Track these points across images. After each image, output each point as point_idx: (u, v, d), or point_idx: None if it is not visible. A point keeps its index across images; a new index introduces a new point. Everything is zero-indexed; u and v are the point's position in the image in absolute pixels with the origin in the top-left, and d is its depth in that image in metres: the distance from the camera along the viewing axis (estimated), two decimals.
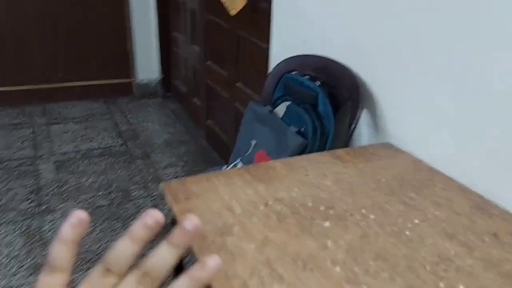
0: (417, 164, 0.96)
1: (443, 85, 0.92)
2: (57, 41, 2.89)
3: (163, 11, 2.98)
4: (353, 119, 1.07)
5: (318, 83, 1.18)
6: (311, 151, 1.14)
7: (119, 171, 2.24)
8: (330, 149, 1.16)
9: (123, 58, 3.10)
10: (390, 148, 1.03)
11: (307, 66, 1.29)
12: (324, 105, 1.15)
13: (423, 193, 0.85)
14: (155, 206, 1.98)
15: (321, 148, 1.15)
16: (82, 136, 2.58)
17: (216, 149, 2.46)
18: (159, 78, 3.24)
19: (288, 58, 1.35)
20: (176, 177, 2.21)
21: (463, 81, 0.87)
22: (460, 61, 0.87)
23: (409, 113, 1.01)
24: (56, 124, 2.70)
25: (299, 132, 1.17)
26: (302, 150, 1.15)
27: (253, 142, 1.30)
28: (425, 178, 0.90)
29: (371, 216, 0.76)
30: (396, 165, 0.95)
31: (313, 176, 0.89)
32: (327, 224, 0.74)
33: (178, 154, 2.45)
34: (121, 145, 2.51)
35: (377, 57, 1.07)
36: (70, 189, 2.06)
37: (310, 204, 0.79)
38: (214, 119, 2.44)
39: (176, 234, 0.28)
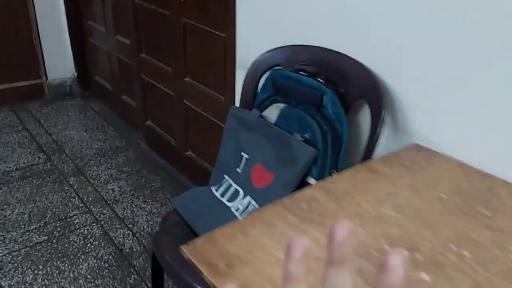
0: (465, 169, 0.83)
1: (492, 77, 0.79)
2: None
3: None
4: (377, 121, 0.91)
5: (320, 80, 1.00)
6: (323, 162, 0.97)
7: (50, 194, 1.87)
8: (344, 157, 0.99)
9: (29, 55, 2.60)
10: (422, 151, 0.89)
11: (298, 59, 1.10)
12: (333, 106, 0.97)
13: (494, 206, 0.72)
14: (105, 232, 1.68)
15: (335, 157, 0.98)
16: None
17: (160, 153, 2.18)
18: (74, 76, 2.80)
19: (271, 50, 1.14)
20: (122, 193, 1.91)
21: None
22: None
23: (445, 111, 0.87)
24: None
25: (305, 140, 0.99)
26: (314, 161, 0.97)
27: (245, 156, 1.09)
28: (484, 187, 0.78)
29: (466, 254, 0.61)
30: (444, 173, 0.82)
31: (367, 205, 0.71)
32: (425, 277, 0.57)
33: (117, 164, 2.13)
34: (45, 161, 2.11)
35: (399, 49, 0.92)
36: None
37: (387, 248, 0.62)
38: (155, 119, 2.14)
39: (333, 251, 0.23)
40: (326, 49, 1.04)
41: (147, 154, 2.22)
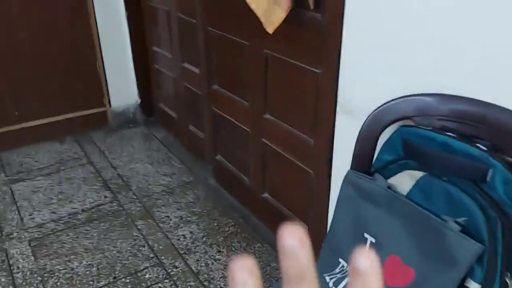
0: None
1: None
2: (11, 73, 2.27)
3: (137, 22, 2.43)
4: None
5: (482, 147, 0.74)
6: (491, 261, 0.71)
7: (119, 242, 1.72)
8: None
9: (93, 83, 2.52)
10: None
11: (438, 113, 0.85)
12: (506, 185, 0.71)
13: None
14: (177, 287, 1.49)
15: (507, 255, 0.71)
16: (58, 195, 2.01)
17: (231, 191, 1.98)
18: (138, 102, 2.68)
19: (402, 98, 0.90)
20: (194, 240, 1.72)
21: None
22: None
23: None
24: (19, 182, 2.11)
25: (461, 229, 0.73)
26: (477, 260, 0.71)
27: (370, 239, 0.85)
28: None
29: None
30: None
31: None
32: None
33: (186, 204, 1.95)
34: (112, 200, 1.97)
35: None
36: (59, 282, 1.52)
37: None
38: (226, 155, 1.95)
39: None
40: (489, 104, 0.78)
41: (217, 191, 2.04)
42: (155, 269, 1.59)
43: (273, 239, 1.72)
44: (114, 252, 1.67)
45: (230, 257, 1.64)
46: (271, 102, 1.52)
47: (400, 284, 0.78)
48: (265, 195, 1.72)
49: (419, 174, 0.82)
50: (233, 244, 1.71)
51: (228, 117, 1.79)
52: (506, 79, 0.76)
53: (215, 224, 1.83)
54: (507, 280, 0.71)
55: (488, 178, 0.72)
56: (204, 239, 1.74)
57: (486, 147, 0.74)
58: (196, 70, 1.98)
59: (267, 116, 1.55)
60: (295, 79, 1.35)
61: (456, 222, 0.74)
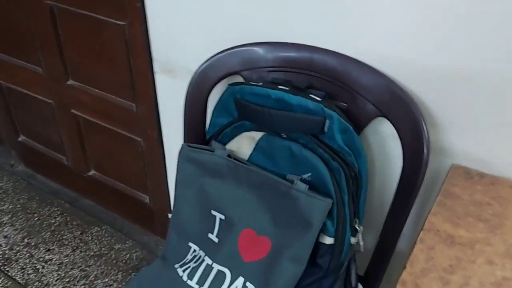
0: None
1: None
2: None
3: None
4: (420, 143, 0.65)
5: (316, 97, 0.69)
6: (340, 213, 0.69)
7: None
8: (364, 201, 0.73)
9: None
10: (476, 179, 0.67)
11: (268, 64, 0.76)
12: (344, 134, 0.68)
13: None
14: None
15: (353, 203, 0.71)
16: None
17: (46, 175, 1.67)
18: None
19: (225, 51, 0.78)
20: (13, 246, 1.41)
21: None
22: None
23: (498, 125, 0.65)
24: None
25: (308, 185, 0.69)
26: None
27: (219, 216, 0.76)
28: None
29: None
30: None
31: None
32: None
33: None
34: None
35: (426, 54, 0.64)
36: None
37: None
38: (31, 134, 1.60)
39: None
40: (315, 47, 0.72)
41: (30, 179, 1.69)
42: None
43: (113, 218, 1.53)
44: None
45: (63, 253, 1.40)
46: (72, 66, 1.24)
47: (258, 257, 0.72)
48: (91, 172, 1.49)
49: (258, 135, 0.75)
50: (64, 237, 1.46)
51: (20, 88, 1.44)
52: (328, 22, 0.71)
53: (36, 218, 1.53)
54: (357, 227, 0.71)
55: (326, 130, 0.69)
56: (26, 240, 1.44)
57: (320, 97, 0.69)
58: None
59: (70, 82, 1.28)
60: (98, 35, 1.11)
61: (302, 180, 0.70)
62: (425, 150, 0.65)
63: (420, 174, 0.66)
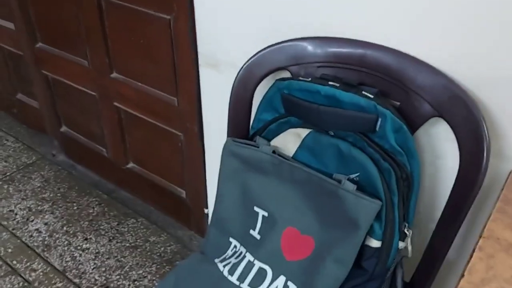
0: None
1: None
2: None
3: None
4: (480, 146, 0.62)
5: (368, 94, 0.67)
6: (388, 215, 0.67)
7: None
8: (415, 205, 0.70)
9: None
10: None
11: (316, 60, 0.74)
12: (397, 133, 0.66)
13: None
14: None
15: (403, 206, 0.68)
16: None
17: (86, 166, 1.71)
18: None
19: (273, 46, 0.77)
20: (53, 233, 1.45)
21: None
22: None
23: None
24: None
25: (356, 186, 0.67)
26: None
27: (262, 212, 0.74)
28: None
29: None
30: None
31: None
32: None
33: (33, 191, 1.62)
34: None
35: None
36: None
37: None
38: (73, 125, 1.64)
39: None
40: (366, 43, 0.69)
41: (70, 168, 1.74)
42: (7, 279, 1.30)
43: (149, 211, 1.55)
44: None
45: (100, 243, 1.43)
46: (117, 59, 1.26)
47: (301, 257, 0.71)
48: (130, 165, 1.51)
49: (304, 132, 0.73)
50: (102, 227, 1.49)
51: (65, 80, 1.47)
52: (381, 18, 0.68)
53: (75, 207, 1.56)
54: (405, 231, 0.68)
55: (377, 128, 0.66)
56: (65, 228, 1.48)
57: (372, 94, 0.67)
58: (11, 25, 1.56)
59: (114, 75, 1.30)
60: (143, 29, 1.12)
61: (350, 180, 0.68)
62: (484, 154, 0.61)
63: (479, 179, 0.62)
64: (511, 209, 0.59)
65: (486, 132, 0.61)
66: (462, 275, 0.51)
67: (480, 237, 0.56)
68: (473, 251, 0.54)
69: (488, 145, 0.62)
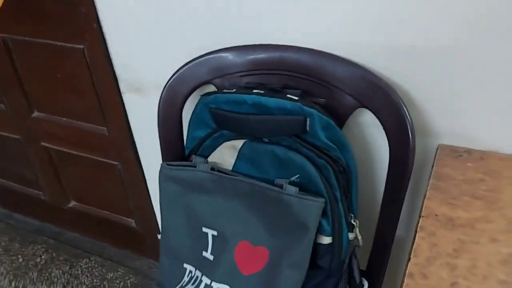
0: None
1: None
2: None
3: None
4: (404, 128, 0.64)
5: (293, 97, 0.67)
6: (334, 210, 0.67)
7: None
8: (356, 195, 0.71)
9: None
10: (464, 156, 0.66)
11: (239, 69, 0.74)
12: (326, 130, 0.66)
13: None
14: None
15: (346, 199, 0.69)
16: None
17: (25, 213, 1.60)
18: None
19: (192, 62, 0.75)
20: None
21: None
22: None
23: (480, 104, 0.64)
24: None
25: (298, 187, 0.67)
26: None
27: (211, 232, 0.73)
28: None
29: None
30: None
31: None
32: None
33: None
34: None
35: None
36: None
37: None
38: (2, 172, 1.53)
39: None
40: (282, 46, 0.70)
41: (7, 219, 1.62)
42: None
43: (101, 247, 1.48)
44: None
45: None
46: (35, 97, 1.19)
47: (257, 269, 0.70)
48: (72, 204, 1.43)
49: (239, 143, 0.72)
50: (53, 274, 1.40)
51: None
52: (293, 19, 0.69)
53: (20, 259, 1.46)
54: (353, 222, 0.70)
55: (308, 128, 0.67)
56: (13, 284, 1.38)
57: (297, 96, 0.67)
58: None
59: (36, 114, 1.22)
60: (58, 62, 1.06)
61: (291, 183, 0.68)
62: (410, 134, 0.64)
63: (409, 159, 0.64)
64: (444, 184, 0.62)
65: (407, 113, 0.64)
66: (409, 258, 0.53)
67: (420, 217, 0.58)
68: (416, 232, 0.56)
69: (412, 125, 0.64)
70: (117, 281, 1.36)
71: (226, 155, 0.74)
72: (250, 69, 0.73)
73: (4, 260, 1.46)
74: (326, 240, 0.69)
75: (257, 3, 0.70)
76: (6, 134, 1.34)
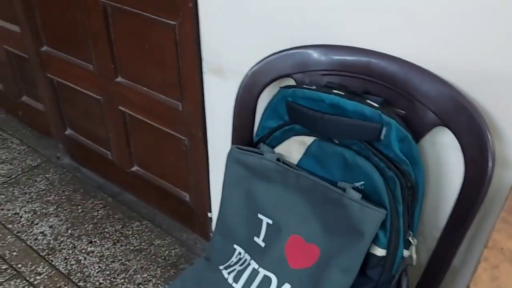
0: None
1: None
2: None
3: None
4: (484, 155, 0.62)
5: (373, 103, 0.67)
6: (393, 224, 0.67)
7: None
8: (419, 213, 0.70)
9: None
10: None
11: (321, 67, 0.75)
12: (402, 143, 0.66)
13: None
14: None
15: (408, 215, 0.68)
16: None
17: (91, 169, 1.72)
18: None
19: (278, 53, 0.77)
20: (57, 236, 1.46)
21: None
22: None
23: None
24: None
25: (360, 194, 0.67)
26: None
27: (266, 220, 0.75)
28: None
29: None
30: None
31: None
32: None
33: (38, 194, 1.63)
34: None
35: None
36: None
37: None
38: (78, 128, 1.65)
39: None
40: (372, 51, 0.70)
41: (75, 171, 1.75)
42: (12, 282, 1.31)
43: (153, 214, 1.56)
44: None
45: (104, 246, 1.43)
46: (122, 63, 1.27)
47: (306, 265, 0.71)
48: (135, 168, 1.52)
49: (309, 139, 0.73)
50: (106, 230, 1.49)
51: (70, 84, 1.48)
52: (387, 26, 0.68)
53: (80, 210, 1.57)
54: (410, 239, 0.68)
55: (382, 137, 0.66)
56: (70, 231, 1.49)
57: (377, 103, 0.67)
58: (16, 28, 1.57)
59: (119, 79, 1.31)
60: (148, 34, 1.13)
61: (354, 188, 0.68)
62: (489, 163, 0.62)
63: (483, 188, 0.62)
64: None
65: (490, 140, 0.61)
66: (468, 287, 0.51)
67: (485, 247, 0.56)
68: (478, 262, 0.54)
69: (493, 153, 0.62)
70: (163, 249, 1.43)
71: (293, 149, 0.75)
72: (333, 69, 0.73)
73: (65, 208, 1.58)
74: (380, 252, 0.68)
75: (352, 6, 0.70)
76: (89, 93, 1.44)
